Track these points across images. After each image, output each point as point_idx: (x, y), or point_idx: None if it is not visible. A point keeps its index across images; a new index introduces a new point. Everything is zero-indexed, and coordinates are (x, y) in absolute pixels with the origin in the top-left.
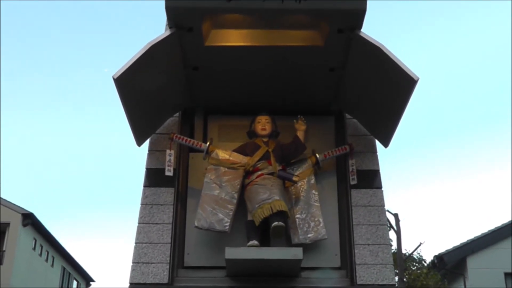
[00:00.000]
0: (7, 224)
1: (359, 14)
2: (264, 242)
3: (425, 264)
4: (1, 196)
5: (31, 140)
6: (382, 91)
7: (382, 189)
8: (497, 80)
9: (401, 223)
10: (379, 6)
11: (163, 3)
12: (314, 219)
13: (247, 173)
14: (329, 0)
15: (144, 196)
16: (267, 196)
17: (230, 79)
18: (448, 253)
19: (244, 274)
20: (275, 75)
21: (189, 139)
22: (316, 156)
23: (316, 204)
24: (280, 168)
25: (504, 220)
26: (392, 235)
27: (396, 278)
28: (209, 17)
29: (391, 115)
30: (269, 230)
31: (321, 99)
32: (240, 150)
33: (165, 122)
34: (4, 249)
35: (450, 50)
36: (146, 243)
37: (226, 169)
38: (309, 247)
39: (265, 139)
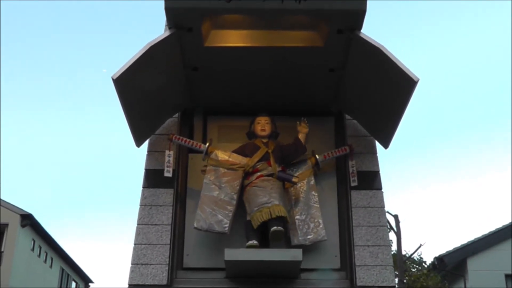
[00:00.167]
0: (6, 225)
1: (359, 15)
2: (264, 242)
3: (425, 266)
4: (0, 197)
5: (30, 140)
6: (382, 92)
7: (382, 190)
8: (497, 81)
9: (401, 225)
10: (378, 6)
11: (163, 3)
12: (314, 220)
13: (247, 174)
14: (329, 0)
15: (143, 197)
16: (266, 200)
17: (229, 80)
18: (449, 254)
19: (243, 275)
20: (275, 76)
21: (188, 140)
22: (315, 157)
23: (316, 205)
24: (280, 169)
25: (505, 221)
26: (392, 236)
27: (396, 280)
28: (208, 18)
29: (391, 116)
30: (268, 231)
31: (321, 99)
32: (239, 151)
33: (165, 123)
34: (2, 250)
35: (450, 50)
36: (145, 244)
37: (226, 170)
38: (309, 249)
39: (264, 140)
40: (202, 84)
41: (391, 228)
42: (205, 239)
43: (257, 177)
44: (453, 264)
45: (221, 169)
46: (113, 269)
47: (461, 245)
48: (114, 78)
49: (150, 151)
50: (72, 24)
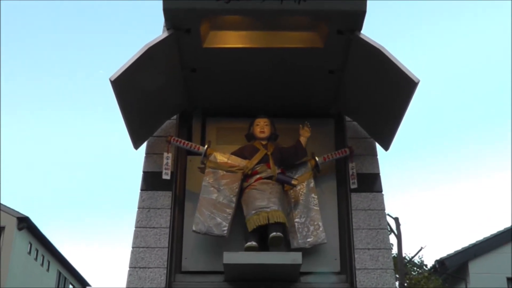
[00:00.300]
0: (2, 228)
1: (359, 16)
2: (262, 244)
3: (426, 269)
4: None
5: (26, 142)
6: (382, 93)
7: (383, 192)
8: (498, 81)
9: (401, 227)
10: (378, 7)
11: (161, 4)
12: (314, 223)
13: (246, 176)
14: (329, 0)
15: (141, 200)
16: (265, 204)
17: (228, 81)
18: (450, 257)
19: (242, 279)
20: (274, 77)
21: (187, 142)
22: (315, 159)
23: (316, 208)
24: (279, 171)
25: (507, 224)
26: (392, 239)
27: (397, 283)
28: (207, 19)
29: (391, 117)
30: (267, 235)
31: (320, 101)
32: (238, 153)
33: (163, 125)
34: None
35: (450, 50)
36: (143, 247)
37: (224, 172)
38: (309, 252)
39: (263, 142)
40: (200, 86)
41: (392, 230)
42: (203, 242)
43: (256, 180)
44: (454, 267)
45: (219, 171)
46: (111, 272)
47: (463, 248)
48: (112, 79)
49: (148, 153)
50: (69, 25)
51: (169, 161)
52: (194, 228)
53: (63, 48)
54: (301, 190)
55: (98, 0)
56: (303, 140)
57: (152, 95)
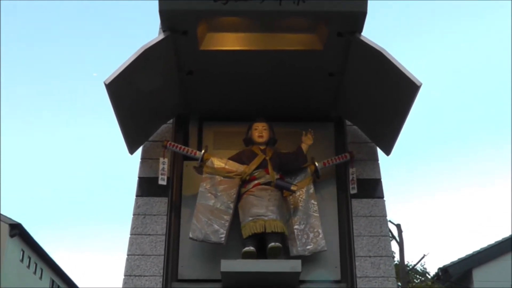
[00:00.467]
0: None
1: (359, 17)
2: (260, 249)
3: (429, 277)
4: None
5: (18, 148)
6: (384, 96)
7: (384, 198)
8: (506, 83)
9: (403, 234)
10: (378, 8)
11: (157, 5)
12: (313, 230)
13: (244, 182)
14: (328, 1)
15: (137, 206)
16: (263, 212)
17: (226, 84)
18: (453, 265)
19: (240, 287)
20: (272, 80)
21: (183, 147)
22: (315, 164)
23: (315, 214)
24: (278, 177)
25: None
26: (394, 246)
27: None
28: (204, 20)
29: (393, 121)
30: (265, 241)
31: (320, 104)
32: (236, 158)
33: (159, 129)
34: None
35: (454, 52)
36: (138, 255)
37: (222, 178)
38: (308, 259)
39: (262, 147)
40: (197, 89)
41: (394, 237)
42: (200, 250)
43: (254, 185)
44: (458, 275)
45: (217, 177)
46: (106, 281)
47: (467, 255)
48: (107, 83)
49: (143, 159)
50: (63, 25)
51: (165, 166)
52: (190, 235)
53: (55, 49)
54: (301, 196)
55: (92, 0)
56: (304, 147)
57: (148, 98)
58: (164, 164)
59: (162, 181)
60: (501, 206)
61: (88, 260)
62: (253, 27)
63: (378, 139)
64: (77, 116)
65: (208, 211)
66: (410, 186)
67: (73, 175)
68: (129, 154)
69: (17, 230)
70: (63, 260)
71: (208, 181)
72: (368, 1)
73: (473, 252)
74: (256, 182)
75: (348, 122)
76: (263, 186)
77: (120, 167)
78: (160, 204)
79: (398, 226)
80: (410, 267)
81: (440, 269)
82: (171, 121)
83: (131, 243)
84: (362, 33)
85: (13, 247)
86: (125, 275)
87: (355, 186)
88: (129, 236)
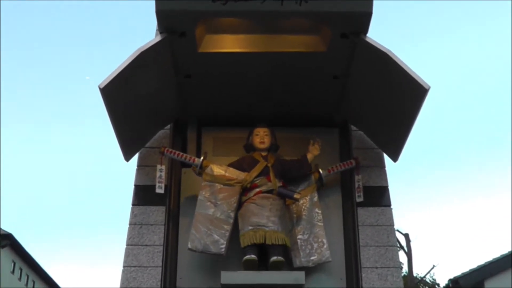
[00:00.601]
0: None
1: (364, 17)
2: (262, 258)
3: None
4: None
5: (9, 156)
6: (390, 100)
7: (391, 207)
8: None
9: (412, 244)
10: (383, 8)
11: (153, 5)
12: (317, 240)
13: (244, 190)
14: (332, 1)
15: (133, 216)
16: (264, 222)
17: (225, 88)
18: (464, 276)
19: None
20: (274, 84)
21: (181, 153)
22: (319, 172)
23: (319, 223)
24: (280, 184)
25: None
26: (402, 257)
27: None
28: (203, 21)
29: (400, 126)
30: (266, 252)
31: (324, 109)
32: (236, 165)
33: (156, 135)
34: None
35: (465, 52)
36: (135, 266)
37: (222, 185)
38: (312, 271)
39: (263, 153)
40: (196, 93)
41: (402, 247)
42: (199, 261)
43: (256, 194)
44: (469, 286)
45: (216, 185)
46: None
47: (478, 266)
48: (101, 87)
49: (140, 166)
50: (55, 26)
51: (163, 173)
52: (189, 246)
53: (44, 50)
54: (304, 204)
55: (86, 0)
56: (310, 156)
57: (144, 103)
58: (161, 171)
59: (160, 189)
60: None
61: (82, 271)
62: (254, 29)
63: (385, 145)
64: (70, 122)
65: (207, 221)
66: (418, 193)
67: (67, 183)
68: (125, 161)
69: (8, 241)
70: (56, 272)
71: (208, 189)
72: (374, 0)
73: (485, 262)
74: (257, 190)
75: (353, 127)
76: (265, 194)
77: (115, 175)
78: (158, 213)
79: (406, 236)
80: (419, 278)
81: (450, 280)
82: (168, 126)
83: (127, 254)
84: (368, 34)
85: (4, 258)
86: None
87: (361, 194)
88: (125, 246)
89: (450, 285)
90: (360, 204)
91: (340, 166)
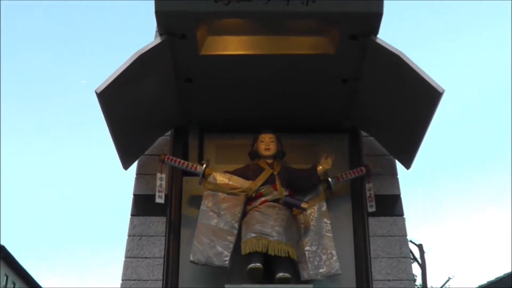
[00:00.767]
0: None
1: (374, 18)
2: (267, 268)
3: None
4: None
5: (2, 167)
6: (402, 104)
7: (404, 216)
8: None
9: (426, 255)
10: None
11: (153, 6)
12: (326, 252)
13: (249, 200)
14: (340, 1)
15: (132, 227)
16: (268, 232)
17: (228, 92)
18: None
19: None
20: (279, 88)
21: (182, 161)
22: (328, 180)
23: (328, 234)
24: (287, 193)
25: None
26: (416, 269)
27: None
28: (204, 22)
29: (413, 132)
30: (271, 263)
31: (333, 114)
32: (241, 173)
33: (155, 142)
34: None
35: (483, 53)
36: (134, 280)
37: (225, 195)
38: (321, 284)
39: (269, 161)
40: (197, 98)
41: (415, 259)
42: (202, 274)
43: (261, 203)
44: None
45: (220, 194)
46: None
47: (496, 278)
48: (98, 91)
49: (139, 174)
50: (50, 27)
51: (163, 182)
52: (191, 258)
53: (37, 53)
54: (312, 214)
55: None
56: (320, 169)
57: (144, 108)
58: (161, 180)
59: (160, 199)
60: None
61: (78, 285)
62: (258, 30)
63: (397, 152)
64: (63, 129)
65: (210, 232)
66: (433, 202)
67: (62, 193)
68: (123, 170)
69: (1, 253)
70: (50, 286)
71: (210, 199)
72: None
73: (504, 274)
74: (263, 199)
75: (363, 133)
76: (271, 203)
77: (113, 184)
78: (158, 224)
79: (420, 247)
80: None
81: None
82: (169, 133)
83: (126, 267)
84: (378, 36)
85: None
86: None
87: (373, 204)
88: (123, 259)
89: None
90: (371, 214)
91: (350, 174)
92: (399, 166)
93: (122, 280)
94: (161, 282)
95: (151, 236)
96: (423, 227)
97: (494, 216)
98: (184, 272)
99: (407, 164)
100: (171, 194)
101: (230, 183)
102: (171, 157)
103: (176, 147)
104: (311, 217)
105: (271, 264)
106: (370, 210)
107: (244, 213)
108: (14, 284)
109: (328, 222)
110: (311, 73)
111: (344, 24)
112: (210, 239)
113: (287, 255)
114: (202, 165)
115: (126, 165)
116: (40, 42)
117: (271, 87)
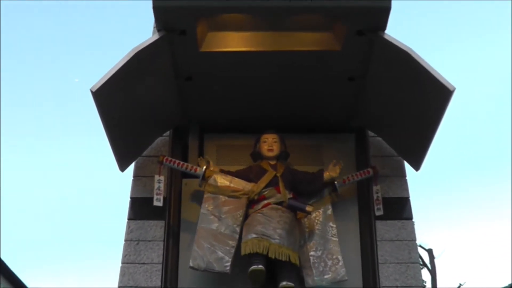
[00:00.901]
0: None
1: (382, 13)
2: (270, 267)
3: None
4: None
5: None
6: (411, 103)
7: (413, 220)
8: None
9: (436, 260)
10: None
11: (150, 1)
12: (332, 257)
13: (251, 202)
14: None
15: (129, 231)
16: (270, 234)
17: (230, 91)
18: None
19: None
20: (282, 86)
21: (181, 163)
22: (333, 182)
23: (334, 238)
24: (291, 196)
25: None
26: (425, 274)
27: None
28: (205, 18)
29: (422, 132)
30: (275, 269)
31: (338, 113)
32: (242, 175)
33: (154, 143)
34: None
35: (492, 50)
36: (131, 286)
37: (226, 198)
38: None
39: (272, 162)
40: (197, 96)
41: (424, 265)
42: (202, 280)
43: (264, 206)
44: None
45: (221, 196)
46: None
47: (509, 284)
48: (93, 90)
49: (136, 176)
50: (43, 23)
51: (161, 185)
52: (191, 264)
53: (27, 49)
54: (317, 218)
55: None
56: (326, 175)
57: (141, 107)
58: (160, 182)
59: (158, 202)
60: None
61: None
62: (260, 26)
63: (406, 152)
64: (57, 130)
65: (211, 236)
66: (443, 205)
67: (57, 198)
68: (120, 171)
69: None
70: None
71: (211, 202)
72: None
73: None
74: (265, 202)
75: (370, 133)
76: (274, 206)
77: (109, 186)
78: (156, 229)
79: (430, 252)
80: None
81: None
82: (167, 133)
83: (122, 273)
84: (386, 31)
85: None
86: None
87: (381, 207)
88: (120, 265)
89: None
90: (379, 217)
91: (357, 175)
92: (407, 167)
93: (119, 286)
94: None
95: (149, 241)
96: (433, 231)
97: (508, 220)
98: (183, 278)
99: (416, 165)
100: (169, 197)
101: (232, 185)
102: (169, 159)
103: (175, 148)
104: (316, 220)
105: (274, 272)
106: (378, 213)
107: (246, 217)
108: None
109: (334, 226)
110: (316, 70)
111: (350, 19)
112: (211, 244)
113: (287, 259)
114: (201, 162)
115: (122, 166)
116: (40, 42)
117: (273, 85)
